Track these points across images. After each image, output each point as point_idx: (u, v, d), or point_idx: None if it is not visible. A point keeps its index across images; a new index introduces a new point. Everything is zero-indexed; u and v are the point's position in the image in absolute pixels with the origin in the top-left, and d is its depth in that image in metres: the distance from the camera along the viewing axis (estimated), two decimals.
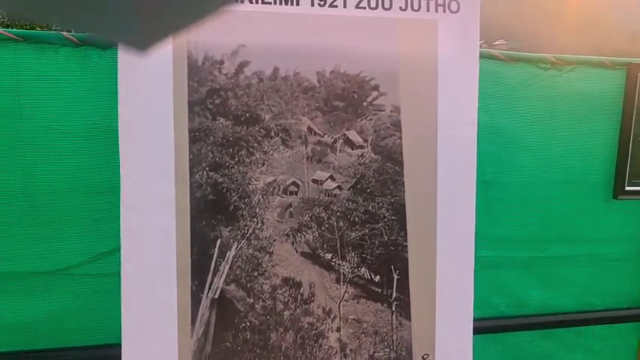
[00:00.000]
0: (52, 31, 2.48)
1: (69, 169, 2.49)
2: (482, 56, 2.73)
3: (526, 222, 3.04)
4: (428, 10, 2.50)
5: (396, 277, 2.52)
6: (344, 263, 2.50)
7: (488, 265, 2.96)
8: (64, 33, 2.47)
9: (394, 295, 2.52)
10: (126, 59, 2.27)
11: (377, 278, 2.52)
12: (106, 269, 2.53)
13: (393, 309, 2.53)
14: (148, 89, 2.29)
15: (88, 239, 2.56)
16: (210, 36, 2.36)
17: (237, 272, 2.40)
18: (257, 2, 2.37)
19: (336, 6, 2.43)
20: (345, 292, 2.50)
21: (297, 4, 2.41)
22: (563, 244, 3.11)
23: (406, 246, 2.52)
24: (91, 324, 2.60)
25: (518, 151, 2.96)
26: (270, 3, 2.38)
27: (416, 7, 2.49)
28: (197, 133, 2.36)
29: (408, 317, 2.53)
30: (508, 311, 3.10)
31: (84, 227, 2.55)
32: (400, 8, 2.48)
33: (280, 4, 2.40)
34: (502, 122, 2.92)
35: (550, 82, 2.96)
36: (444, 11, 2.51)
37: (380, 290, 2.53)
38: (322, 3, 2.42)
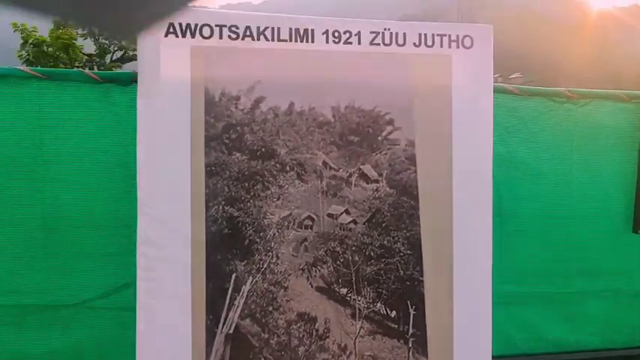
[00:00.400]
0: (75, 69, 2.55)
1: (88, 203, 2.52)
2: (498, 91, 2.74)
3: (545, 256, 3.00)
4: (441, 45, 2.53)
5: (412, 312, 2.49)
6: (359, 298, 2.48)
7: (507, 300, 2.91)
8: (86, 71, 2.54)
9: (411, 330, 2.49)
10: (145, 95, 2.32)
11: (393, 314, 2.49)
12: (124, 302, 2.54)
13: (410, 345, 2.48)
14: (166, 124, 2.34)
15: (107, 272, 2.59)
16: (227, 72, 2.41)
17: (252, 307, 2.39)
18: (273, 39, 2.42)
19: (350, 42, 2.47)
20: (361, 327, 2.47)
21: (313, 41, 2.45)
22: (584, 279, 3.05)
23: (422, 281, 2.50)
24: (108, 358, 2.60)
25: (536, 184, 2.94)
26: (286, 40, 2.43)
27: (429, 42, 2.52)
28: (213, 168, 2.39)
29: (425, 354, 2.48)
30: (528, 348, 3.03)
31: (102, 260, 2.58)
32: (414, 44, 2.51)
33: (296, 41, 2.44)
34: (519, 155, 2.91)
35: (566, 115, 2.95)
36: (458, 47, 2.54)
37: (396, 326, 2.49)
38: (337, 40, 2.46)
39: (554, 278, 3.02)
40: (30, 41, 18.47)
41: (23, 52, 18.70)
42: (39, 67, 2.49)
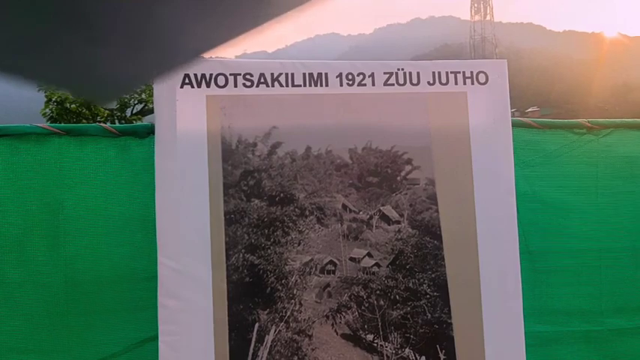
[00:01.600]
0: (93, 124, 2.59)
1: (108, 258, 2.51)
2: (516, 125, 2.71)
3: (578, 292, 2.89)
4: (456, 83, 2.52)
5: (442, 357, 2.40)
6: (387, 344, 2.40)
7: (541, 340, 2.79)
8: (105, 125, 2.58)
9: None
10: (162, 146, 2.34)
11: (422, 359, 2.40)
12: (147, 357, 2.49)
13: None
14: (184, 175, 2.34)
15: (129, 327, 2.55)
16: (243, 120, 2.42)
17: (277, 357, 2.32)
18: (287, 85, 2.44)
19: (364, 84, 2.48)
20: None
21: (327, 84, 2.46)
22: (620, 315, 2.92)
23: (451, 324, 2.41)
24: None
25: (563, 219, 2.86)
26: (300, 85, 2.45)
27: (444, 80, 2.51)
28: (233, 216, 2.38)
29: None
30: None
31: (125, 315, 2.55)
32: (428, 83, 2.50)
33: (310, 85, 2.46)
34: (543, 190, 2.84)
35: (588, 147, 2.90)
36: (473, 83, 2.53)
37: None
38: (351, 82, 2.47)
39: (588, 316, 2.90)
40: (53, 99, 19.02)
41: (47, 110, 19.24)
42: (61, 124, 2.53)
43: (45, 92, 18.81)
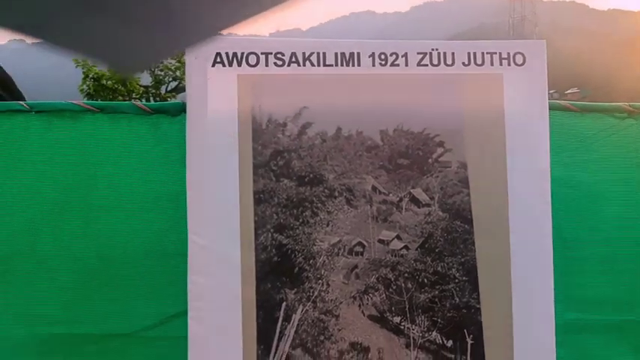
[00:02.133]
0: (126, 101, 2.63)
1: (140, 234, 2.56)
2: (553, 108, 2.63)
3: (612, 281, 2.81)
4: (492, 64, 2.45)
5: (469, 342, 2.38)
6: (414, 327, 2.39)
7: (571, 329, 2.73)
8: (137, 103, 2.61)
9: None
10: (194, 124, 2.35)
11: (449, 343, 2.39)
12: (176, 332, 2.53)
13: None
14: (215, 153, 2.35)
15: (160, 302, 2.59)
16: (274, 100, 2.41)
17: (303, 336, 2.34)
18: (319, 65, 2.41)
19: (397, 65, 2.43)
20: (416, 357, 2.38)
21: (359, 64, 2.43)
22: None
23: (479, 309, 2.39)
24: None
25: (600, 206, 2.77)
26: (332, 65, 2.42)
27: (479, 61, 2.45)
28: (262, 195, 2.38)
29: None
30: None
31: (154, 290, 2.59)
32: (463, 64, 2.45)
33: (342, 65, 2.43)
34: (580, 176, 2.76)
35: (628, 132, 2.79)
36: (509, 64, 2.46)
37: (453, 356, 2.38)
38: (383, 62, 2.43)
39: (621, 306, 2.83)
40: (90, 75, 19.36)
41: (84, 87, 19.60)
42: (98, 101, 2.57)
43: (83, 69, 19.15)
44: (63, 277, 2.54)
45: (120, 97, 18.58)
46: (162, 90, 22.06)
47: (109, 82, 19.38)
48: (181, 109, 2.52)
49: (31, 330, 2.54)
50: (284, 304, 2.35)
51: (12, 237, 2.52)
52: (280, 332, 2.33)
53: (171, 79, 22.06)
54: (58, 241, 2.54)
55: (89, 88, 19.52)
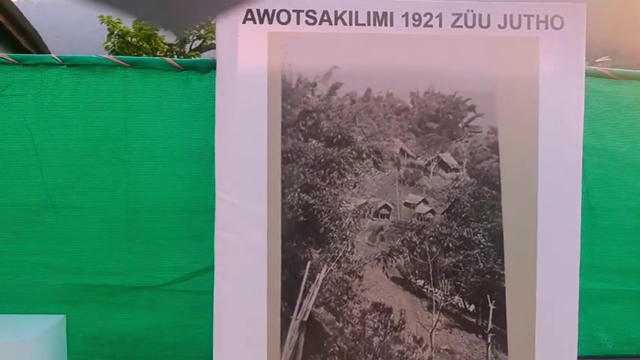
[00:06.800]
0: (157, 57, 2.63)
1: (168, 188, 2.59)
2: (589, 74, 2.56)
3: (638, 252, 2.79)
4: (529, 27, 2.39)
5: (492, 307, 2.39)
6: (436, 290, 2.40)
7: (594, 298, 2.74)
8: (167, 59, 2.60)
9: (490, 326, 2.39)
10: (223, 81, 2.34)
11: (471, 308, 2.40)
12: (202, 286, 2.59)
13: (489, 341, 2.39)
14: (243, 111, 2.35)
15: (186, 256, 2.65)
16: (304, 59, 2.38)
17: (327, 295, 2.37)
18: (351, 24, 2.37)
19: (431, 25, 2.38)
20: (438, 320, 2.40)
21: (392, 24, 2.38)
22: None
23: (503, 275, 2.39)
24: (186, 340, 2.67)
25: (631, 176, 2.73)
26: (364, 24, 2.37)
27: (516, 24, 2.38)
28: (289, 155, 2.39)
29: (505, 351, 2.38)
30: (616, 350, 2.85)
31: (182, 245, 2.64)
32: (499, 26, 2.38)
33: (374, 24, 2.38)
34: (613, 144, 2.71)
35: None
36: (547, 28, 2.39)
37: (474, 320, 2.40)
38: (417, 23, 2.38)
39: None
40: (115, 32, 19.29)
41: (109, 44, 19.56)
42: (126, 56, 2.58)
43: (107, 25, 19.09)
44: (92, 230, 2.60)
45: (144, 55, 18.55)
46: (187, 48, 21.95)
47: (134, 40, 19.31)
48: (211, 66, 2.52)
49: (63, 279, 2.61)
50: (309, 262, 2.37)
51: (46, 189, 2.57)
52: (305, 290, 2.36)
53: (195, 37, 21.90)
54: (88, 193, 2.58)
55: (114, 45, 19.47)
